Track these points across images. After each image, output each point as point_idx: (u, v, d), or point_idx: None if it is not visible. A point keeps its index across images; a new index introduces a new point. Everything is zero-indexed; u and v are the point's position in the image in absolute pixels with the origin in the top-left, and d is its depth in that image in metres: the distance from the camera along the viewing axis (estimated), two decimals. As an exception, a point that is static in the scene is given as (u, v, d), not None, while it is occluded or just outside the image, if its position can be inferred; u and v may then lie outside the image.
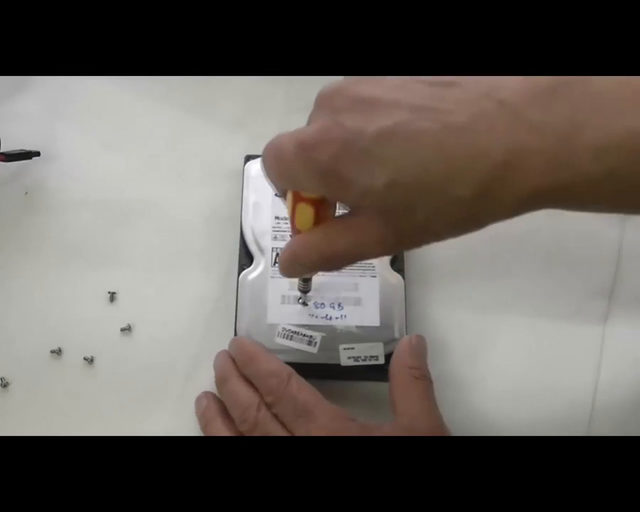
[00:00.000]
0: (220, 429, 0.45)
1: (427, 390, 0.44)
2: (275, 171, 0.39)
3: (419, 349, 0.45)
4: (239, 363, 0.46)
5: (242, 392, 0.44)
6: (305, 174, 0.37)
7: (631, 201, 0.35)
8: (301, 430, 0.42)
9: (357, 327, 0.47)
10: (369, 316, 0.47)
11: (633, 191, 0.34)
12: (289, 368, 0.44)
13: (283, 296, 0.48)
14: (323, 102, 0.38)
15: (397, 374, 0.44)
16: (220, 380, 0.46)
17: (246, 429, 0.43)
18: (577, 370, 0.50)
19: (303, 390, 0.43)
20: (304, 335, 0.47)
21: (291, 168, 0.37)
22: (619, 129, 0.33)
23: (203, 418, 0.46)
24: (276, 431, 0.42)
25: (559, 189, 0.34)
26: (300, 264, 0.41)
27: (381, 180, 0.35)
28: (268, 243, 0.49)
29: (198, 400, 0.47)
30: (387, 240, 0.37)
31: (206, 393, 0.47)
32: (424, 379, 0.44)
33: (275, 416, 0.43)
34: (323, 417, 0.42)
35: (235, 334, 0.47)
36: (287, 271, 0.42)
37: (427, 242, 0.37)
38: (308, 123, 0.38)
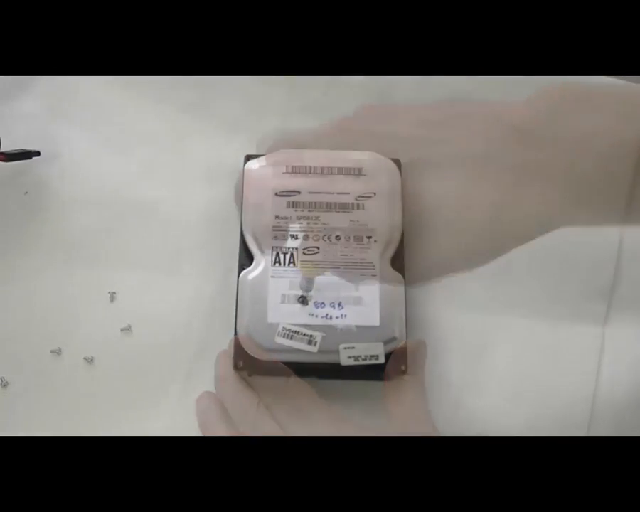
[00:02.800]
0: (219, 430, 0.45)
1: (420, 396, 0.45)
2: None
3: (417, 355, 0.46)
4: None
5: (242, 393, 0.44)
6: None
7: None
8: (296, 431, 0.42)
9: (357, 326, 0.47)
10: (369, 315, 0.47)
11: None
12: (287, 369, 0.44)
13: (283, 296, 0.48)
14: None
15: (391, 378, 0.45)
16: (220, 380, 0.46)
17: (245, 430, 0.44)
18: (577, 370, 0.50)
19: (299, 390, 0.43)
20: (304, 334, 0.47)
21: None
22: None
23: (202, 418, 0.46)
24: (273, 431, 0.43)
25: None
26: None
27: None
28: (268, 243, 0.49)
29: (199, 400, 0.47)
30: None
31: (207, 393, 0.47)
32: (417, 385, 0.45)
33: (273, 416, 0.43)
34: (318, 418, 0.42)
35: (235, 334, 0.47)
36: None
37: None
38: None
